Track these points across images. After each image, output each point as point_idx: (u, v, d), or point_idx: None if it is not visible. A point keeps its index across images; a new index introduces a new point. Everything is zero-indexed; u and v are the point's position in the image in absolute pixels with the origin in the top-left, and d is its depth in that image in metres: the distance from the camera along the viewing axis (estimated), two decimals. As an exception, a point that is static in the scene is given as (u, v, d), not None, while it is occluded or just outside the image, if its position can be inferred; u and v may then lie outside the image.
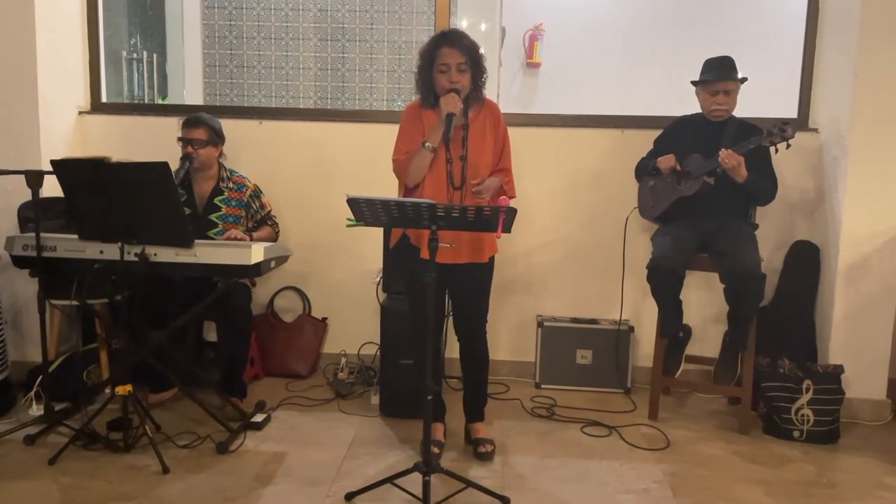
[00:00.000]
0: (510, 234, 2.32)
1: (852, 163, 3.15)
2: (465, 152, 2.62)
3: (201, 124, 3.14)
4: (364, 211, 2.26)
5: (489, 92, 2.74)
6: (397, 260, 2.81)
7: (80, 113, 3.66)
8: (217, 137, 3.19)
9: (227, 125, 3.29)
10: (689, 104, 3.22)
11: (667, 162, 3.07)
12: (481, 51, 2.64)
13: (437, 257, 2.26)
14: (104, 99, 3.77)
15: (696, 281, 3.47)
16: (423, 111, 2.66)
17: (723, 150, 2.89)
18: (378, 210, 2.24)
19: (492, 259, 2.71)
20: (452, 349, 2.80)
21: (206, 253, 2.63)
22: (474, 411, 2.86)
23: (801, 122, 3.49)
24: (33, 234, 2.68)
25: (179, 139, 3.14)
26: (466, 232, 2.53)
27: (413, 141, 2.61)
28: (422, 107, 2.67)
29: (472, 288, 2.71)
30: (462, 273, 2.64)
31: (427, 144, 2.55)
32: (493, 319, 2.89)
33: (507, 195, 2.69)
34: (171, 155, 2.99)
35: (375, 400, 3.23)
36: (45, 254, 2.70)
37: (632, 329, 3.52)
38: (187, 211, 3.08)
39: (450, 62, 2.55)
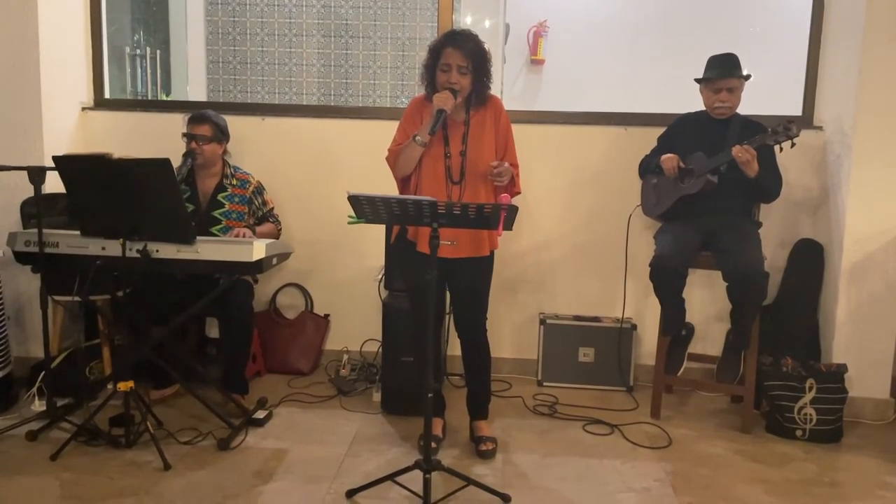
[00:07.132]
0: (513, 232, 2.31)
1: (856, 161, 3.14)
2: (464, 148, 2.62)
3: (206, 121, 3.14)
4: (365, 208, 2.26)
5: (493, 89, 2.72)
6: (397, 256, 2.81)
7: (83, 109, 3.66)
8: (221, 134, 3.19)
9: (230, 122, 3.28)
10: (693, 102, 3.20)
11: (669, 162, 3.05)
12: (488, 55, 2.61)
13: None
14: (107, 95, 3.77)
15: (698, 279, 3.46)
16: (426, 105, 2.66)
17: (736, 145, 2.88)
18: (379, 207, 2.24)
19: (492, 253, 2.70)
20: (454, 346, 2.79)
21: (207, 249, 2.63)
22: (477, 409, 2.87)
23: (806, 119, 3.48)
24: (36, 231, 2.68)
25: (184, 135, 3.14)
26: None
27: (409, 134, 2.62)
28: (426, 100, 2.67)
29: (471, 283, 2.70)
30: (462, 268, 2.64)
31: (417, 138, 2.55)
32: (495, 317, 2.88)
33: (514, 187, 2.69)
34: (175, 151, 2.98)
35: (377, 397, 3.23)
36: (48, 250, 2.70)
37: (634, 327, 3.51)
38: (191, 207, 3.08)
39: (451, 63, 2.55)
